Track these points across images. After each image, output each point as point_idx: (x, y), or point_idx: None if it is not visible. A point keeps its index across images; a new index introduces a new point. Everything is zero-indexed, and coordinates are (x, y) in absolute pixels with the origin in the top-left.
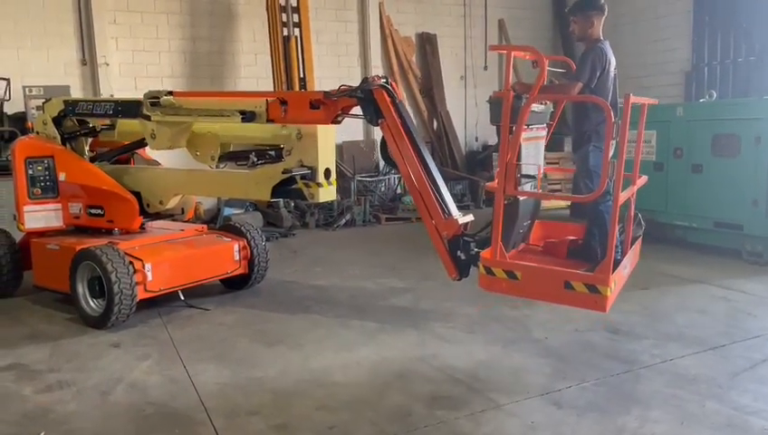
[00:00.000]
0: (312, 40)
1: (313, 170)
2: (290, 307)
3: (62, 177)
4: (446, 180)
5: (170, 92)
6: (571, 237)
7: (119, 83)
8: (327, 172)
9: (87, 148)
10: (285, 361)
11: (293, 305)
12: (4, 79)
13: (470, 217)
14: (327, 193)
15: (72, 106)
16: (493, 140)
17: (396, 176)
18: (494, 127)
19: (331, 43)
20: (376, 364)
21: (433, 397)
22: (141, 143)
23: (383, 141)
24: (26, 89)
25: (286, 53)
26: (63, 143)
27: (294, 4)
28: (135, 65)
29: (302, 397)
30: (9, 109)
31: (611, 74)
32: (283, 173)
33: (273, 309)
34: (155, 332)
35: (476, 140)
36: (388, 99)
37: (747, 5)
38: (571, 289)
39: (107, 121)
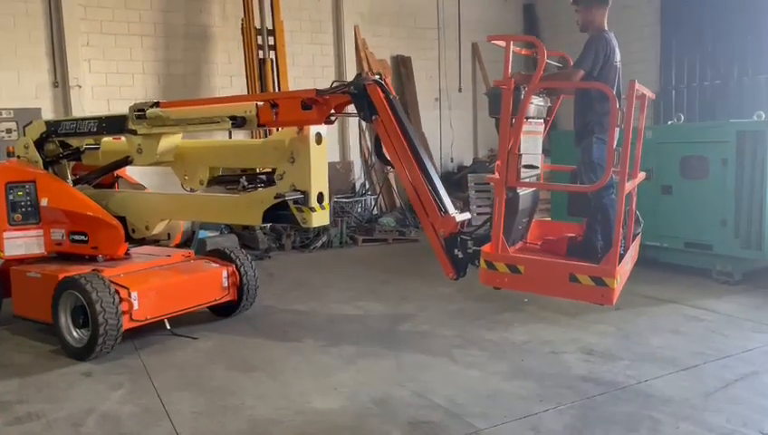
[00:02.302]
0: (288, 63)
1: (306, 195)
2: (267, 333)
3: (44, 202)
4: None
5: (157, 103)
6: (571, 235)
7: (91, 106)
8: (320, 196)
9: (69, 172)
10: (263, 388)
11: (271, 331)
12: None
13: (467, 215)
14: (320, 217)
15: (54, 127)
16: (468, 161)
17: (372, 197)
18: (484, 136)
19: (306, 65)
20: (354, 390)
21: (412, 422)
22: (124, 162)
23: (377, 138)
24: None
25: (262, 75)
26: (46, 167)
27: (270, 27)
28: (108, 87)
29: (279, 425)
30: None
31: (616, 65)
32: (275, 198)
33: (250, 335)
34: (128, 360)
35: (452, 161)
36: (382, 94)
37: (712, 31)
38: (577, 282)
39: (91, 141)
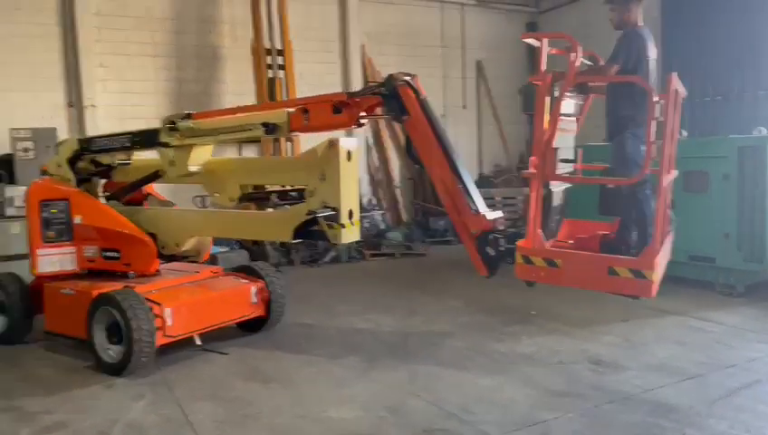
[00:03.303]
0: (297, 81)
1: (337, 211)
2: (281, 345)
3: (77, 219)
4: (429, 216)
5: (189, 115)
6: (603, 232)
7: (105, 125)
8: (350, 213)
9: (100, 189)
10: (280, 398)
11: (284, 344)
12: None
13: (499, 213)
14: (350, 234)
15: (86, 144)
16: (473, 177)
17: (379, 212)
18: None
19: (315, 84)
20: (369, 400)
21: (426, 430)
22: (154, 176)
23: (408, 139)
24: (13, 131)
25: (271, 94)
26: (78, 185)
27: (279, 47)
28: (122, 107)
29: (297, 433)
30: None
31: (650, 61)
32: (307, 215)
33: (265, 348)
34: (147, 372)
35: None
36: (413, 95)
37: (712, 48)
38: (615, 275)
39: (123, 157)
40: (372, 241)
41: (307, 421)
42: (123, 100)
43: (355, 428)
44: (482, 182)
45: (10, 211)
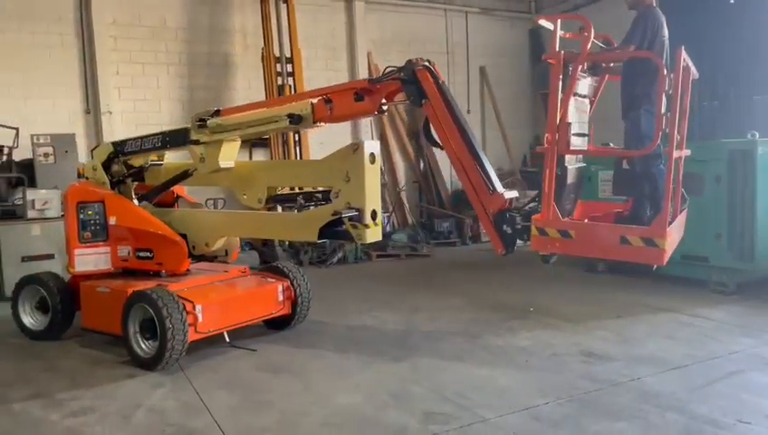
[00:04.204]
0: (305, 87)
1: (361, 212)
2: (291, 340)
3: (112, 221)
4: (434, 218)
5: (217, 111)
6: (617, 210)
7: (121, 131)
8: (373, 213)
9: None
10: (290, 387)
11: (294, 339)
12: (12, 128)
13: (515, 193)
14: (374, 233)
15: (120, 147)
16: None
17: (385, 214)
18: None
19: None
20: (374, 387)
21: (426, 413)
22: (183, 175)
23: (426, 122)
24: (34, 137)
25: None
26: (112, 187)
27: (288, 55)
28: (136, 113)
29: (307, 416)
30: (17, 156)
31: (663, 41)
32: (332, 215)
33: (275, 342)
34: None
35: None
36: (431, 79)
37: (710, 55)
38: (627, 244)
39: (155, 157)
40: (378, 242)
41: (315, 406)
42: (138, 106)
43: (360, 412)
44: None
45: (31, 214)
